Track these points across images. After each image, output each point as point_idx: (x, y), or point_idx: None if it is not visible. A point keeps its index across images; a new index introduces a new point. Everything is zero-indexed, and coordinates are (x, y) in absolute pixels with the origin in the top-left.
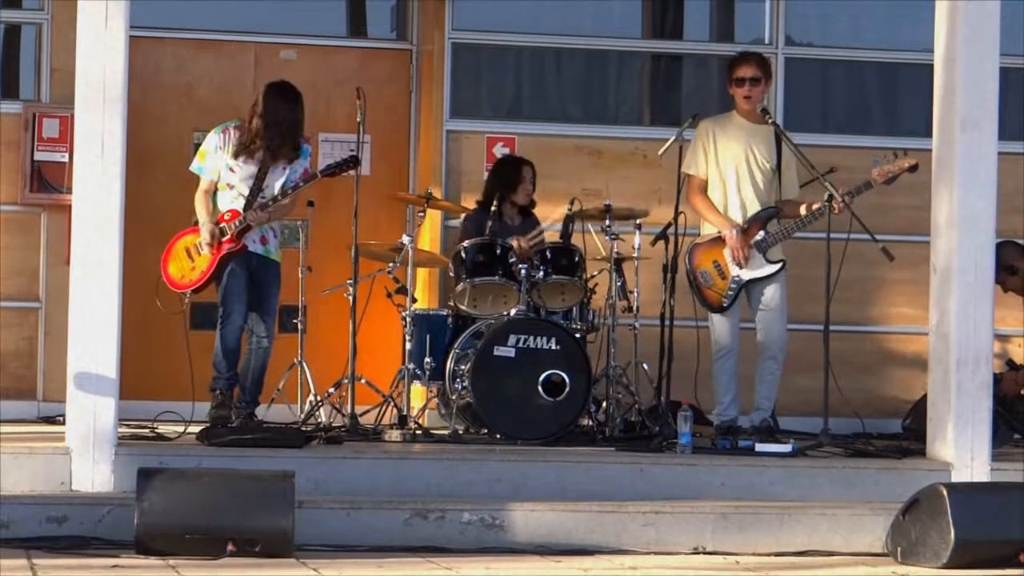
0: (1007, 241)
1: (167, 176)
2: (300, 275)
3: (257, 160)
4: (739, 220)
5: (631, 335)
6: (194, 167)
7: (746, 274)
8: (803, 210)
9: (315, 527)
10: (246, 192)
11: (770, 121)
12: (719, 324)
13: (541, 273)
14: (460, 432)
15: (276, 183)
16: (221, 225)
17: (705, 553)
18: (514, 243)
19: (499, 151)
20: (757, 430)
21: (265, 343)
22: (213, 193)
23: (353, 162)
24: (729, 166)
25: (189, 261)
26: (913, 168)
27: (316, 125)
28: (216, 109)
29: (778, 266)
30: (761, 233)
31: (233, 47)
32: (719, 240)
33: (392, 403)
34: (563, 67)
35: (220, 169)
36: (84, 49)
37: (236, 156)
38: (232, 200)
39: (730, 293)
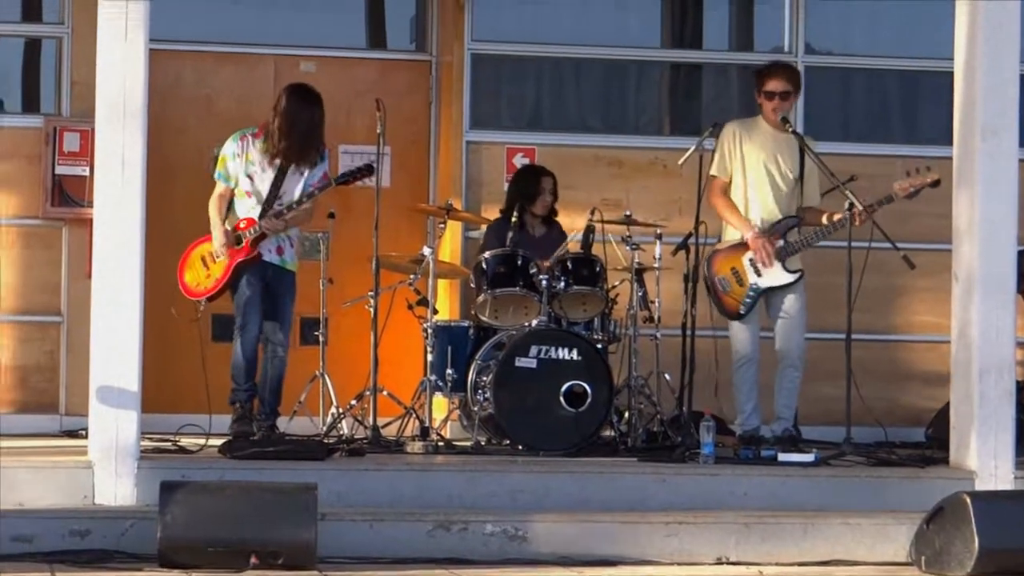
0: None
1: (187, 189)
2: (321, 287)
3: (275, 165)
4: (759, 226)
5: (652, 345)
6: (217, 175)
7: (764, 282)
8: (824, 219)
9: (338, 539)
10: (263, 199)
11: (790, 130)
12: (739, 333)
13: (562, 284)
14: (482, 443)
15: (294, 189)
16: (237, 233)
17: (728, 563)
18: (541, 264)
19: (519, 162)
20: (780, 440)
21: (281, 352)
22: (229, 200)
23: (368, 170)
24: (752, 171)
25: (204, 269)
26: (935, 184)
27: (336, 136)
28: (236, 121)
29: (796, 275)
30: (781, 242)
31: (253, 59)
32: (739, 247)
33: (414, 415)
34: (582, 77)
35: (238, 176)
36: (104, 63)
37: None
38: (250, 208)
39: (748, 300)
